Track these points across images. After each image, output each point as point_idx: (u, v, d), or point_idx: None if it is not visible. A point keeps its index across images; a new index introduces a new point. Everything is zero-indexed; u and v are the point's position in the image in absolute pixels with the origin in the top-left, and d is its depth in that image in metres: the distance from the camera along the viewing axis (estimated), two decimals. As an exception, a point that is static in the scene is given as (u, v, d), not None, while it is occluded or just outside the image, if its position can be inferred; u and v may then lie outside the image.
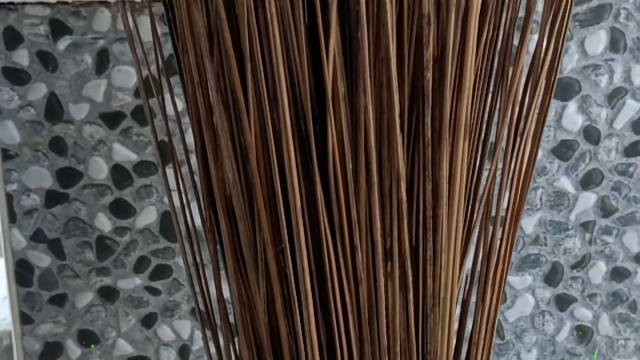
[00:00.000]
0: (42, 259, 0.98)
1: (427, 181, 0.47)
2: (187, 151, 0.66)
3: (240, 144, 0.46)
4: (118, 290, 0.99)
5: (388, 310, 0.47)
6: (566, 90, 0.96)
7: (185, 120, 0.96)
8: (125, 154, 0.96)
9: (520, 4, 0.52)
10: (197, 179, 0.73)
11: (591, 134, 0.98)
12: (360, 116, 0.44)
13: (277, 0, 0.43)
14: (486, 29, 0.49)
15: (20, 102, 0.94)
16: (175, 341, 1.01)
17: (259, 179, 0.46)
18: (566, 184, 0.99)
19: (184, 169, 0.96)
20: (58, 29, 0.93)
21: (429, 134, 0.46)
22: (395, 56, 0.44)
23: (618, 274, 1.01)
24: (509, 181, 0.50)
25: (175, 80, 0.95)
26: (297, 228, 0.46)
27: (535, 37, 0.91)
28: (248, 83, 0.44)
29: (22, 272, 0.98)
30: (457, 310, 0.54)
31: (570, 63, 0.95)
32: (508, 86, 0.51)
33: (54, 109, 0.94)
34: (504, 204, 0.56)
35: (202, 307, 0.69)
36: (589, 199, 0.99)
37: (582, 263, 1.01)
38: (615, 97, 0.97)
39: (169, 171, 0.96)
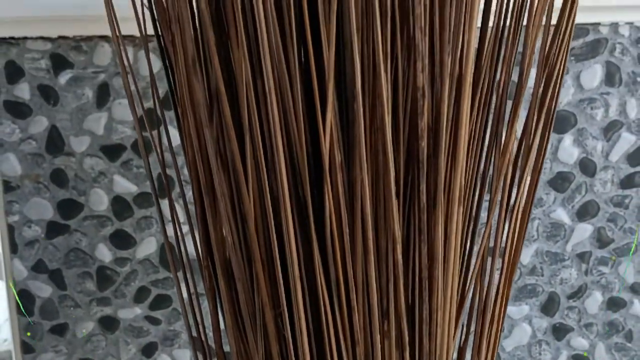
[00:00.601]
0: (43, 289, 0.99)
1: (423, 244, 0.48)
2: (181, 186, 0.67)
3: (240, 208, 0.47)
4: (118, 320, 1.00)
5: (384, 369, 0.48)
6: (562, 123, 0.97)
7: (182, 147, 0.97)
8: (125, 186, 0.97)
9: (512, 69, 0.52)
10: (192, 209, 0.74)
11: (587, 166, 0.98)
12: (357, 183, 0.45)
13: (275, 72, 0.44)
14: (479, 93, 0.49)
15: (21, 135, 0.95)
16: (175, 371, 1.02)
17: (257, 243, 0.46)
18: (562, 215, 1.00)
19: (178, 198, 0.97)
20: (59, 63, 0.93)
21: (424, 199, 0.47)
22: (391, 125, 0.45)
23: (614, 303, 1.02)
24: (504, 239, 0.51)
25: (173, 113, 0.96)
26: (295, 291, 0.47)
27: (533, 71, 0.92)
28: (247, 151, 0.45)
29: (23, 301, 0.99)
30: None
31: (566, 96, 0.96)
32: (502, 145, 0.52)
33: (55, 142, 0.95)
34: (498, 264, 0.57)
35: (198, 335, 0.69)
36: (585, 230, 1.00)
37: (578, 293, 1.02)
38: (610, 130, 0.97)
39: (165, 201, 0.96)
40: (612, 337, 1.03)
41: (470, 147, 0.50)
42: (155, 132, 0.95)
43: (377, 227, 0.47)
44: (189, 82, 0.45)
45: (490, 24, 0.50)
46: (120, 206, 0.98)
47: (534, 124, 0.49)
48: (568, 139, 0.97)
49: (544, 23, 0.54)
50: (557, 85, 0.51)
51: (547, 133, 0.52)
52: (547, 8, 0.52)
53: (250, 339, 0.49)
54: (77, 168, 0.96)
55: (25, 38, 0.93)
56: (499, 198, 0.49)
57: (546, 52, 0.50)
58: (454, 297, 0.49)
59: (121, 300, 1.00)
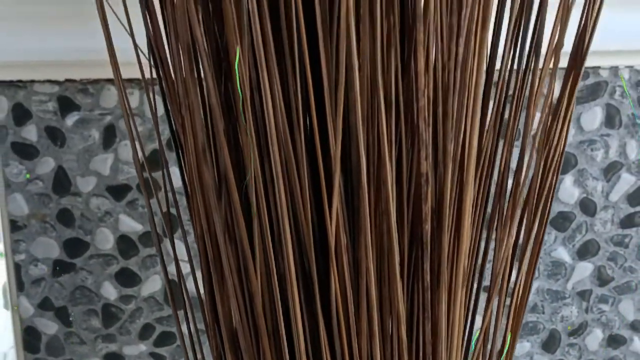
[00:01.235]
0: (49, 326, 1.01)
1: (427, 321, 0.49)
2: (182, 227, 0.68)
3: (247, 285, 0.48)
4: (123, 357, 1.01)
5: None
6: (563, 164, 0.98)
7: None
8: (131, 225, 0.98)
9: (512, 152, 0.54)
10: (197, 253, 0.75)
11: (587, 206, 1.00)
12: (362, 263, 0.46)
13: (282, 158, 0.45)
14: (480, 170, 0.51)
15: (28, 176, 0.96)
16: (179, 407, 1.03)
17: (264, 320, 0.48)
18: (563, 254, 1.01)
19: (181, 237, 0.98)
20: (66, 105, 0.95)
21: (427, 278, 0.48)
22: (395, 209, 0.46)
23: (614, 341, 1.04)
24: (506, 313, 0.52)
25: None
26: (301, 366, 0.48)
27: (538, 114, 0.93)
28: (254, 233, 0.46)
29: (29, 339, 1.01)
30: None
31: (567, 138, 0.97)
32: (504, 218, 0.53)
33: (61, 182, 0.96)
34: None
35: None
36: (585, 268, 1.01)
37: (579, 330, 1.03)
38: (610, 170, 0.99)
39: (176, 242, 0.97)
40: (612, 374, 1.04)
41: (473, 222, 0.51)
42: (158, 174, 0.97)
43: (382, 306, 0.48)
44: (199, 167, 0.46)
45: (491, 105, 0.52)
46: (126, 245, 0.99)
47: (534, 204, 0.51)
48: (569, 179, 0.99)
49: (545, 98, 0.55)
50: (556, 173, 0.53)
51: (544, 223, 0.54)
52: (549, 94, 0.53)
53: (257, 410, 0.50)
54: (83, 208, 0.97)
55: (32, 81, 0.94)
56: (500, 280, 0.51)
57: (546, 132, 0.51)
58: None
59: (126, 337, 1.01)
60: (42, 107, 0.94)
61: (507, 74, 0.51)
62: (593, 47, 0.91)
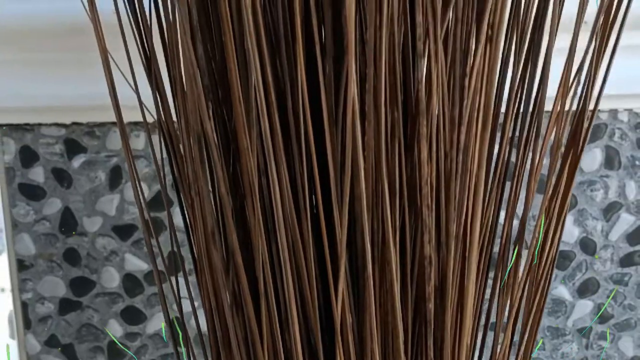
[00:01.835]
0: (56, 363, 1.02)
1: (430, 395, 0.50)
2: (184, 267, 0.69)
3: (254, 360, 0.49)
4: (129, 393, 1.03)
5: None
6: (563, 204, 0.99)
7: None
8: (136, 264, 1.00)
9: (512, 224, 0.55)
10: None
11: (587, 245, 1.01)
12: (367, 342, 0.48)
13: (289, 241, 0.46)
14: (481, 242, 0.52)
15: (35, 216, 0.98)
16: None
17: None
18: (564, 292, 1.02)
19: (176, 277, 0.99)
20: (73, 147, 0.96)
21: (431, 354, 0.49)
22: (399, 290, 0.47)
23: (613, 377, 1.05)
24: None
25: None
26: None
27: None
28: (262, 311, 0.47)
29: (36, 375, 1.02)
30: None
31: (567, 179, 0.98)
32: (506, 286, 0.54)
33: (68, 223, 0.98)
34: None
35: None
36: (585, 306, 1.03)
37: (578, 367, 1.04)
38: (610, 211, 1.00)
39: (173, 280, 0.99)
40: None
41: (475, 293, 0.52)
42: (163, 213, 0.98)
43: (386, 380, 0.49)
44: (208, 248, 0.47)
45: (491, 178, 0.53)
46: (131, 283, 1.00)
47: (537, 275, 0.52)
48: (569, 219, 1.00)
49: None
50: (556, 244, 0.54)
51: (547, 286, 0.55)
52: (551, 173, 0.54)
53: None
54: (89, 247, 0.99)
55: (39, 124, 0.95)
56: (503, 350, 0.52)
57: (546, 213, 0.52)
58: None
59: (132, 374, 1.02)
60: (49, 150, 0.96)
61: (507, 152, 0.53)
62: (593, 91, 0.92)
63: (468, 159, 0.46)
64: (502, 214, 0.69)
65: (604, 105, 0.96)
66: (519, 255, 0.54)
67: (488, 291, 0.66)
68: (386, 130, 0.44)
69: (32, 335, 1.01)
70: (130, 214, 0.98)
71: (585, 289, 1.02)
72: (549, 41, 0.55)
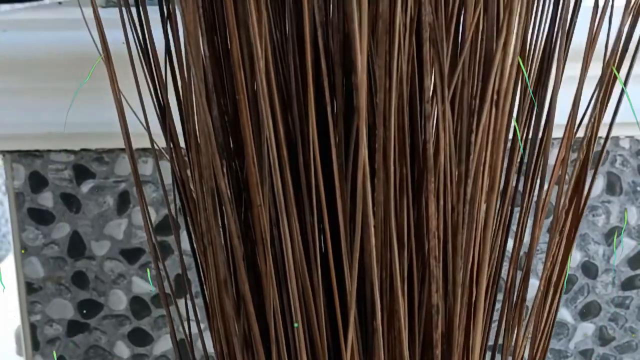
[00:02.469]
0: (64, 384, 1.03)
1: None
2: (190, 290, 0.70)
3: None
4: (136, 414, 1.04)
5: None
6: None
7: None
8: (143, 287, 1.01)
9: (516, 271, 0.56)
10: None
11: (589, 269, 1.02)
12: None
13: (299, 285, 0.48)
14: (488, 283, 0.53)
15: (44, 240, 0.99)
16: None
17: None
18: (566, 315, 1.03)
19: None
20: (81, 173, 0.97)
21: (438, 398, 0.50)
22: (407, 337, 0.49)
23: (614, 398, 1.06)
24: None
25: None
26: None
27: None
28: (273, 358, 0.49)
29: (45, 396, 1.03)
30: None
31: (569, 205, 0.99)
32: (511, 326, 0.56)
33: (76, 246, 0.99)
34: None
35: None
36: (587, 328, 1.04)
37: (580, 388, 1.06)
38: (611, 235, 1.01)
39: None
40: None
41: (482, 336, 0.53)
42: (171, 237, 0.99)
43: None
44: (220, 295, 0.48)
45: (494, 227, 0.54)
46: (139, 306, 1.01)
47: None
48: (571, 243, 1.01)
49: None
50: (558, 296, 0.55)
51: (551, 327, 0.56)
52: (557, 214, 0.55)
53: None
54: (97, 270, 1.00)
55: (49, 151, 0.96)
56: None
57: (551, 259, 0.54)
58: None
59: (139, 395, 1.03)
60: (58, 175, 0.97)
61: (511, 201, 0.54)
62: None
63: (474, 210, 0.48)
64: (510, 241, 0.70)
65: (604, 132, 0.97)
66: (522, 302, 0.55)
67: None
68: (395, 186, 0.45)
69: (41, 356, 1.02)
70: (137, 238, 0.99)
71: (587, 312, 1.03)
72: (556, 72, 0.57)
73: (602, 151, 0.75)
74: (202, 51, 0.43)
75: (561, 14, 0.49)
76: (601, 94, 0.59)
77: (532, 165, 0.52)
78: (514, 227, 0.65)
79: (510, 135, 0.58)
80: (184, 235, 0.98)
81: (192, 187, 0.51)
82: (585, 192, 0.63)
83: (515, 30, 0.43)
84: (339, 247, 0.47)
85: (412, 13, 0.43)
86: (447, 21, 0.44)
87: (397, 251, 0.46)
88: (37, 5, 1.11)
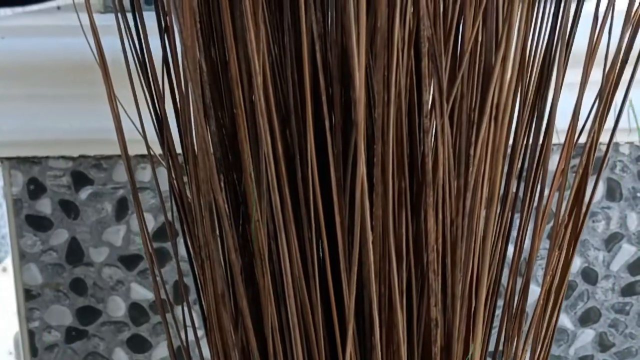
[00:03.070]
0: (62, 391, 1.03)
1: None
2: (187, 299, 0.70)
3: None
4: (135, 420, 1.04)
5: None
6: (565, 235, 1.00)
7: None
8: (142, 293, 1.01)
9: (516, 281, 0.56)
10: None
11: (589, 275, 1.02)
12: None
13: (297, 299, 0.47)
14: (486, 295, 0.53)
15: (42, 247, 0.99)
16: None
17: None
18: (566, 321, 1.03)
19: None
20: (80, 179, 0.97)
21: (436, 411, 0.50)
22: (406, 350, 0.49)
23: (615, 404, 1.06)
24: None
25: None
26: None
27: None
28: (271, 372, 0.48)
29: (43, 403, 1.03)
30: None
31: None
32: (511, 337, 0.55)
33: (75, 253, 0.99)
34: None
35: None
36: (587, 334, 1.04)
37: (580, 394, 1.06)
38: (611, 241, 1.01)
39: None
40: None
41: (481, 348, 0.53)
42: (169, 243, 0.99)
43: None
44: (217, 309, 0.48)
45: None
46: (137, 312, 1.01)
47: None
48: (571, 249, 1.01)
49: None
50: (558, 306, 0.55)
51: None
52: (557, 224, 0.55)
53: None
54: (95, 277, 1.00)
55: (47, 157, 0.96)
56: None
57: (551, 266, 0.53)
58: None
59: (138, 401, 1.03)
60: (57, 182, 0.97)
61: (511, 210, 0.54)
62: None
63: (474, 222, 0.48)
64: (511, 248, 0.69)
65: (605, 138, 0.96)
66: (522, 313, 0.55)
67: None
68: (393, 200, 0.45)
69: (39, 363, 1.02)
70: (136, 245, 0.99)
71: (587, 318, 1.03)
72: (555, 82, 0.56)
73: (603, 158, 0.74)
74: (200, 66, 0.43)
75: (561, 24, 0.48)
76: (601, 105, 0.58)
77: (532, 174, 0.52)
78: (514, 233, 0.65)
79: (511, 141, 0.58)
80: (183, 241, 0.98)
81: (189, 199, 0.50)
82: (586, 200, 0.63)
83: (514, 43, 0.42)
84: (337, 261, 0.46)
85: (411, 26, 0.42)
86: (446, 35, 0.44)
87: (395, 265, 0.46)
88: (37, 10, 1.11)
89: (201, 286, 0.51)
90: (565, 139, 0.65)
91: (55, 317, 1.00)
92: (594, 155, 0.71)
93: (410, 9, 0.41)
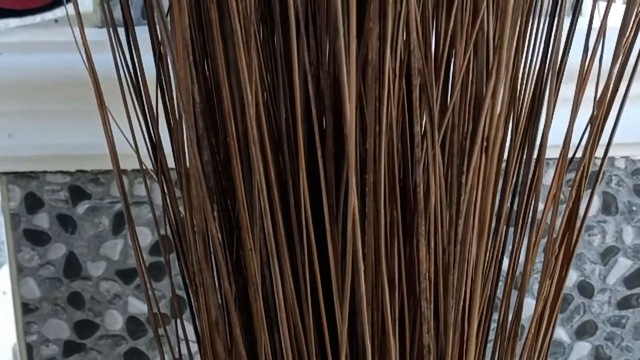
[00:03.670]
0: (60, 404, 1.03)
1: None
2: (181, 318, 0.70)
3: None
4: None
5: None
6: (561, 249, 1.00)
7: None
8: (139, 307, 1.01)
9: (509, 300, 0.56)
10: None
11: (585, 289, 1.02)
12: None
13: (290, 325, 0.48)
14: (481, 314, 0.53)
15: (40, 261, 0.99)
16: None
17: None
18: (562, 334, 1.03)
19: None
20: (77, 194, 0.97)
21: None
22: (399, 375, 0.49)
23: (611, 417, 1.06)
24: None
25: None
26: None
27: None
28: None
29: (41, 416, 1.03)
30: None
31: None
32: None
33: (72, 267, 0.99)
34: None
35: None
36: (583, 348, 1.04)
37: (576, 407, 1.06)
38: (607, 255, 1.01)
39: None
40: None
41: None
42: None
43: None
44: (211, 336, 0.48)
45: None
46: (134, 326, 1.01)
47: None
48: (567, 263, 1.01)
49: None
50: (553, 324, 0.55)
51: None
52: (550, 244, 0.55)
53: None
54: (93, 291, 1.00)
55: (45, 172, 0.96)
56: None
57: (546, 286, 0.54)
58: None
59: (135, 415, 1.03)
60: (54, 196, 0.97)
61: (503, 237, 0.54)
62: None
63: (466, 250, 0.48)
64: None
65: (600, 152, 0.97)
66: (515, 337, 0.55)
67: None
68: (385, 229, 0.45)
69: (37, 376, 1.02)
70: (133, 259, 0.99)
71: (583, 331, 1.03)
72: (547, 108, 0.57)
73: (598, 173, 0.75)
74: (193, 97, 0.43)
75: (551, 56, 0.49)
76: (595, 124, 0.59)
77: (523, 209, 0.52)
78: (509, 246, 0.65)
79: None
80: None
81: (183, 225, 0.51)
82: (582, 215, 0.63)
83: (503, 75, 0.43)
84: (330, 288, 0.47)
85: (402, 57, 0.43)
86: (437, 66, 0.44)
87: (388, 293, 0.46)
88: (32, 24, 1.11)
89: (196, 310, 0.51)
90: (558, 161, 0.65)
91: (53, 330, 1.01)
92: (587, 173, 0.71)
93: (401, 41, 0.41)
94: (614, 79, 0.56)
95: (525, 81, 0.51)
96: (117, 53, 0.53)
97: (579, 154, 0.67)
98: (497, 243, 0.55)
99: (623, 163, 0.99)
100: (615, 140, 0.96)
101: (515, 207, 0.61)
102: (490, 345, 0.68)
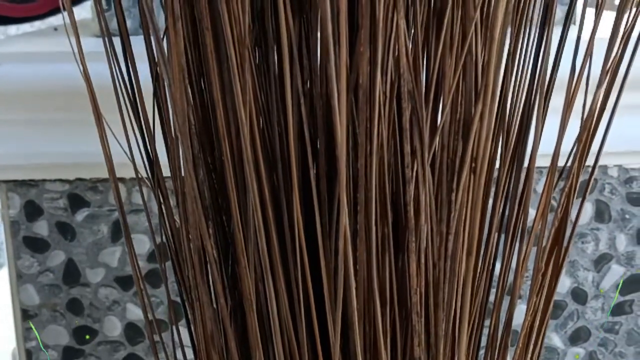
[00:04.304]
0: (59, 409, 1.04)
1: None
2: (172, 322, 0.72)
3: None
4: None
5: None
6: (555, 256, 1.01)
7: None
8: (137, 313, 1.02)
9: (500, 308, 0.57)
10: None
11: (579, 295, 1.03)
12: None
13: (284, 340, 0.49)
14: (472, 323, 0.54)
15: (39, 268, 1.00)
16: None
17: None
18: (556, 340, 1.05)
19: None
20: (76, 202, 0.98)
21: None
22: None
23: (604, 422, 1.07)
24: None
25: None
26: None
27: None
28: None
29: (40, 421, 1.04)
30: None
31: (558, 232, 1.01)
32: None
33: (71, 274, 1.00)
34: None
35: None
36: (577, 354, 1.05)
37: (570, 412, 1.07)
38: (600, 262, 1.02)
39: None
40: None
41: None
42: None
43: None
44: (207, 349, 0.49)
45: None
46: (133, 332, 1.02)
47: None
48: (560, 270, 1.02)
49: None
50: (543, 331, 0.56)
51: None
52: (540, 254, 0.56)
53: None
54: (92, 297, 1.01)
55: (44, 180, 0.97)
56: None
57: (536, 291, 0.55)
58: None
59: (134, 420, 1.04)
60: (53, 204, 0.98)
61: (495, 246, 0.55)
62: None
63: (456, 264, 0.49)
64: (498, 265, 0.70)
65: (592, 161, 0.98)
66: (507, 336, 0.56)
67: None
68: (377, 245, 0.46)
69: (37, 382, 1.03)
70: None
71: (577, 337, 1.05)
72: (535, 130, 0.58)
73: (588, 181, 0.76)
74: (189, 119, 0.44)
75: (539, 77, 0.50)
76: (583, 137, 0.60)
77: (514, 218, 0.54)
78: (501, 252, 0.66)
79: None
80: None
81: (180, 239, 0.52)
82: (573, 225, 0.64)
83: (490, 95, 0.44)
84: (323, 304, 0.48)
85: (393, 79, 0.44)
86: (427, 88, 0.45)
87: (379, 307, 0.47)
88: (32, 32, 1.12)
89: (193, 322, 0.52)
90: (549, 171, 0.66)
91: (52, 336, 1.02)
92: (576, 182, 0.72)
93: (391, 64, 0.42)
94: (603, 88, 0.57)
95: (515, 96, 0.52)
96: (113, 67, 0.54)
97: (570, 163, 0.68)
98: (489, 252, 0.56)
99: (616, 171, 1.00)
100: (608, 149, 0.97)
101: (506, 217, 0.62)
102: (482, 353, 0.69)
